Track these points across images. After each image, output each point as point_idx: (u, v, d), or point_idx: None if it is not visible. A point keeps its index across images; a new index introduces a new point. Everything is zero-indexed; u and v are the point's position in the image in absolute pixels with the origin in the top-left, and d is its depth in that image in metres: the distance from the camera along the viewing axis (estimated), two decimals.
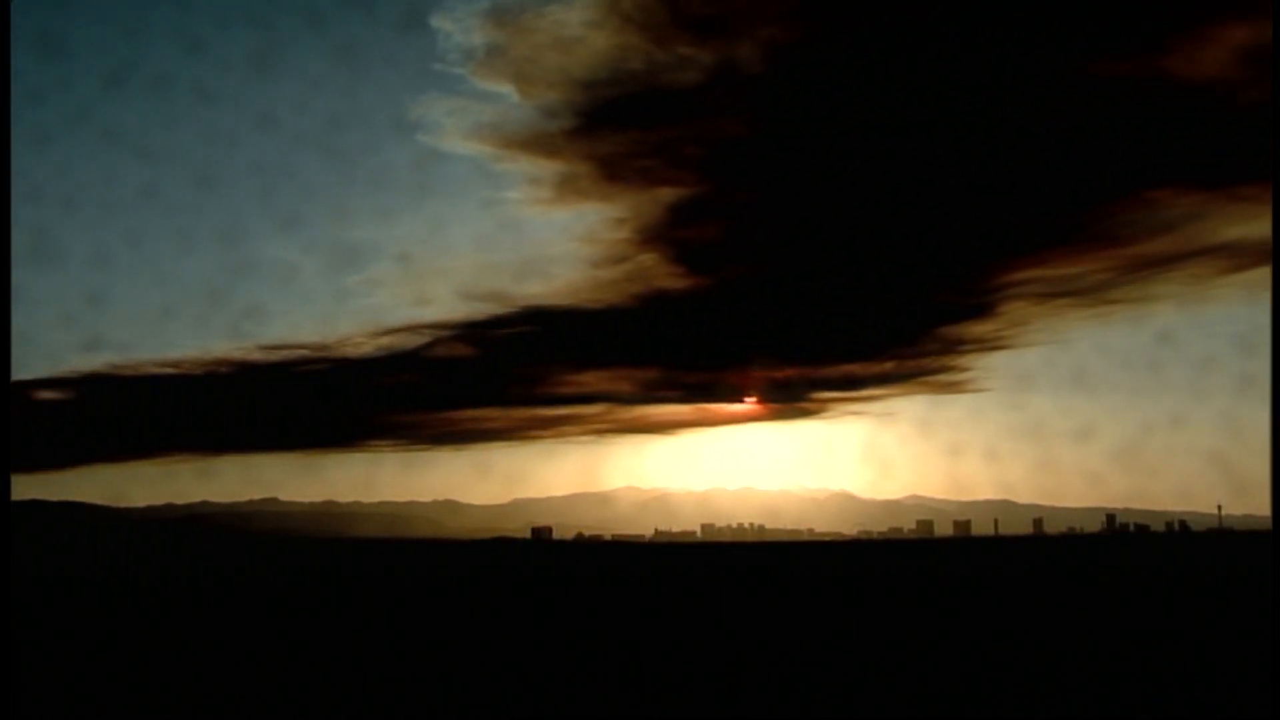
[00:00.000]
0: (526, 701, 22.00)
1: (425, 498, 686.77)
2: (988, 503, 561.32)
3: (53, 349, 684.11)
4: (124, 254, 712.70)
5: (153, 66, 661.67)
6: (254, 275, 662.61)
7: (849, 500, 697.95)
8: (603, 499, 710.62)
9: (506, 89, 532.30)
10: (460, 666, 26.91)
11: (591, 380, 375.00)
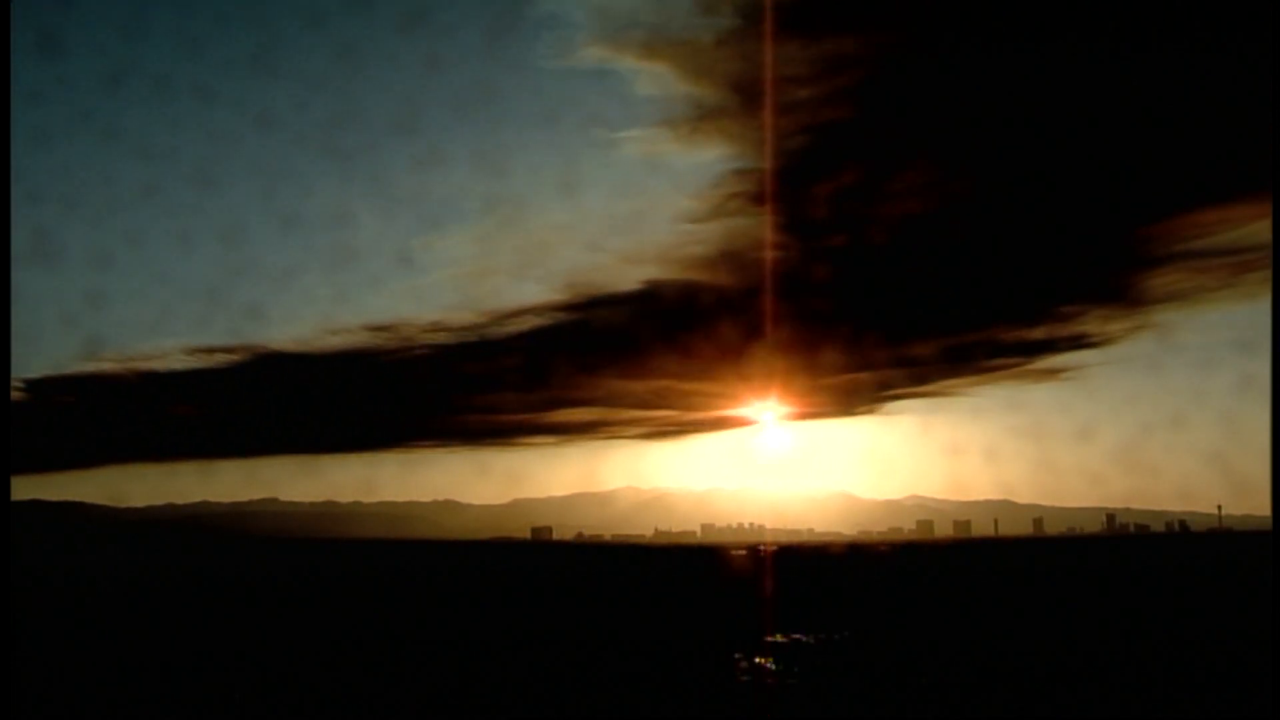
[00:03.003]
0: (526, 701, 22.00)
1: (425, 498, 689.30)
2: (988, 503, 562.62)
3: (53, 349, 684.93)
4: (124, 254, 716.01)
5: (153, 66, 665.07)
6: (254, 275, 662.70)
7: (849, 500, 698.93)
8: (603, 499, 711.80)
9: None
10: (460, 666, 26.90)
11: (599, 382, 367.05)
